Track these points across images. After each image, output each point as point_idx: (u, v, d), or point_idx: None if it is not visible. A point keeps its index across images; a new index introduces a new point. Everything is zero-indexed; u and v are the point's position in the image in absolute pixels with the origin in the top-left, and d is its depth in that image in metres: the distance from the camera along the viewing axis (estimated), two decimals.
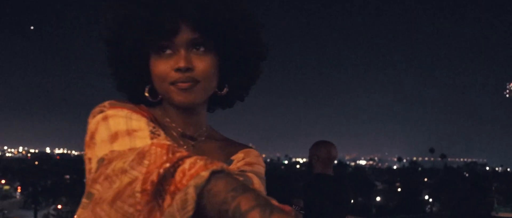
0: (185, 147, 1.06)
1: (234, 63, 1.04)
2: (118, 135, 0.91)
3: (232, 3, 0.99)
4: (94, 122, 0.95)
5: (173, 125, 1.07)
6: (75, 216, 0.88)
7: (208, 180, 0.76)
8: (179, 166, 0.79)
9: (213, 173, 0.76)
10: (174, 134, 1.06)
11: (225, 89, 1.07)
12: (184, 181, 0.76)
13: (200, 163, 0.78)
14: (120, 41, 1.00)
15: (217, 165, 0.78)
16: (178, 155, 0.81)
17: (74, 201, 43.53)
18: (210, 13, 0.96)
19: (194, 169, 0.77)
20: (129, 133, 0.91)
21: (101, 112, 0.96)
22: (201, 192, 0.75)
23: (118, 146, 0.89)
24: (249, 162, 1.10)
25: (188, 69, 0.97)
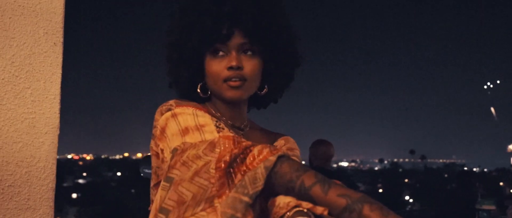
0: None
1: (274, 67, 1.16)
2: (188, 129, 1.01)
3: (279, 18, 1.14)
4: (163, 118, 1.05)
5: (224, 118, 1.17)
6: (157, 197, 0.99)
7: (275, 163, 0.90)
8: (248, 152, 0.93)
9: (279, 157, 0.91)
10: (227, 126, 1.14)
11: (265, 90, 1.17)
12: (254, 163, 0.90)
13: (266, 149, 0.93)
14: (183, 44, 1.12)
15: (281, 151, 0.93)
16: (244, 144, 0.95)
17: None
18: (260, 24, 1.09)
19: (262, 155, 0.91)
20: (198, 128, 1.02)
21: (169, 110, 1.06)
22: (270, 173, 0.89)
23: (190, 139, 0.99)
24: (290, 147, 1.24)
25: (239, 68, 1.08)
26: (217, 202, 0.90)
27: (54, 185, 1.21)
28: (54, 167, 1.21)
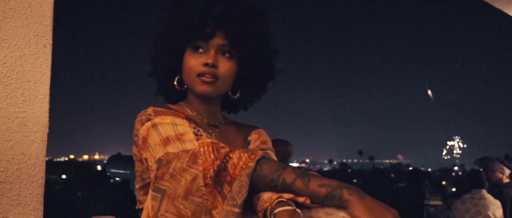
0: (213, 134, 1.22)
1: (248, 75, 1.22)
2: (169, 139, 1.06)
3: (262, 30, 1.21)
4: (144, 128, 1.11)
5: (200, 116, 1.23)
6: (149, 206, 1.04)
7: (255, 167, 0.97)
8: (228, 160, 0.99)
9: (258, 161, 0.98)
10: (203, 125, 1.22)
11: (238, 94, 1.24)
12: (237, 172, 0.97)
13: (245, 155, 0.99)
14: (168, 35, 1.18)
15: (258, 155, 0.99)
16: (222, 151, 1.01)
17: None
18: (243, 30, 1.16)
19: (242, 161, 0.98)
20: (178, 137, 1.06)
21: (149, 119, 1.11)
22: (252, 177, 0.96)
23: (172, 149, 1.04)
24: (263, 140, 1.31)
25: (214, 66, 1.15)
26: (215, 213, 0.98)
27: (43, 182, 1.25)
28: (44, 164, 1.26)
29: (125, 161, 2.81)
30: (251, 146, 1.28)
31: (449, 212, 4.53)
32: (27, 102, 1.24)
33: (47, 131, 1.28)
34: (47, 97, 1.28)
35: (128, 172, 2.77)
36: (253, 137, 1.29)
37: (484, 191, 4.18)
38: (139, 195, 1.20)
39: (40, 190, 1.25)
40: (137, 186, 1.20)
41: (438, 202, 5.06)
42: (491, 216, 3.98)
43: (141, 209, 1.19)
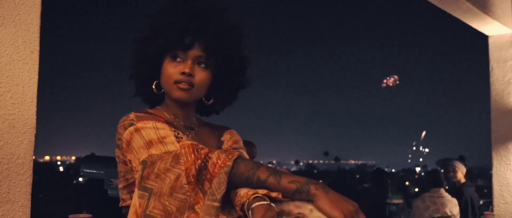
0: (190, 136, 1.29)
1: (221, 84, 1.33)
2: (152, 142, 1.15)
3: (236, 44, 1.31)
4: (127, 132, 1.19)
5: (177, 119, 1.32)
6: (136, 203, 1.12)
7: (233, 166, 1.08)
8: (208, 160, 1.10)
9: (235, 160, 1.08)
10: (180, 127, 1.31)
11: (211, 101, 1.35)
12: (216, 170, 1.08)
13: (223, 155, 1.10)
14: (149, 42, 1.26)
15: (235, 155, 1.10)
16: (202, 152, 1.12)
17: None
18: (219, 44, 1.26)
19: (221, 161, 1.09)
20: (160, 140, 1.15)
21: (131, 124, 1.20)
22: (229, 175, 1.07)
23: (155, 151, 1.14)
24: (235, 140, 1.42)
25: (190, 75, 1.24)
26: (197, 208, 1.09)
27: (31, 180, 1.33)
28: (31, 164, 1.34)
29: (99, 161, 2.88)
30: (225, 146, 1.38)
31: (410, 210, 4.74)
32: (15, 105, 1.31)
33: (35, 132, 1.35)
34: (35, 101, 1.36)
35: (102, 172, 2.84)
36: (225, 137, 1.41)
37: (442, 190, 4.40)
38: (122, 194, 1.29)
39: (28, 188, 1.33)
40: (120, 186, 1.28)
41: (399, 201, 5.28)
42: (449, 213, 4.20)
43: (125, 207, 1.28)
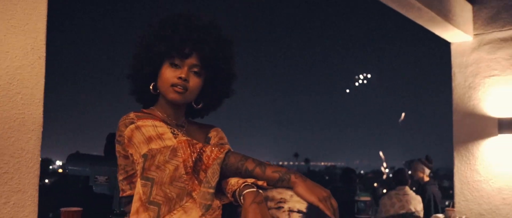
0: (181, 132, 1.40)
1: (211, 91, 1.50)
2: (152, 138, 1.31)
3: (228, 59, 1.49)
4: (128, 129, 1.35)
5: (169, 118, 1.47)
6: (140, 190, 1.27)
7: (224, 158, 1.25)
8: (203, 153, 1.27)
9: (226, 153, 1.26)
10: (172, 125, 1.45)
11: (200, 105, 1.52)
12: (210, 162, 1.25)
13: (216, 149, 1.28)
14: (152, 47, 1.42)
15: (225, 148, 1.28)
16: (197, 146, 1.29)
17: None
18: (213, 56, 1.43)
19: (214, 154, 1.26)
20: (159, 136, 1.31)
21: (132, 123, 1.35)
22: (221, 166, 1.25)
23: (154, 145, 1.29)
24: (220, 137, 1.58)
25: (186, 80, 1.41)
26: (194, 194, 1.25)
27: (38, 173, 1.48)
28: (39, 158, 1.48)
29: (84, 159, 3.01)
30: (212, 142, 1.54)
31: (377, 207, 4.99)
32: (25, 105, 1.46)
33: (41, 129, 1.50)
34: (41, 102, 1.50)
35: (87, 169, 2.97)
36: (212, 134, 1.58)
37: (407, 188, 4.66)
38: (122, 185, 1.44)
39: (36, 180, 1.48)
40: (120, 178, 1.44)
41: (368, 198, 5.51)
42: (413, 209, 4.46)
43: (125, 197, 1.44)
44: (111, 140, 3.73)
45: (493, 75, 4.55)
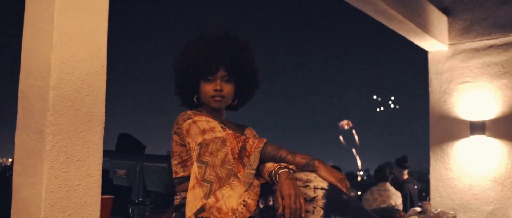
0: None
1: (242, 90, 1.83)
2: (206, 130, 1.64)
3: (249, 60, 1.80)
4: (186, 123, 1.67)
5: (213, 119, 1.72)
6: (195, 171, 1.58)
7: (263, 147, 1.61)
8: (246, 143, 1.61)
9: (264, 143, 1.62)
10: None
11: (235, 102, 1.86)
12: (252, 149, 1.59)
13: (256, 140, 1.62)
14: (187, 72, 1.77)
15: (264, 140, 1.62)
16: (242, 138, 1.63)
17: None
18: (236, 65, 1.75)
19: (255, 143, 1.61)
20: (211, 129, 1.65)
21: (189, 118, 1.68)
22: (261, 153, 1.61)
23: (208, 136, 1.63)
24: (254, 135, 1.90)
25: (221, 90, 1.75)
26: (239, 175, 1.58)
27: (101, 161, 1.79)
28: (102, 149, 1.80)
29: (105, 154, 3.30)
30: None
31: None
32: (92, 105, 1.78)
33: (104, 125, 1.82)
34: (104, 102, 1.82)
35: (107, 163, 3.27)
36: (247, 132, 1.92)
37: (388, 184, 5.07)
38: (176, 168, 1.77)
39: (100, 167, 1.79)
40: (175, 162, 1.77)
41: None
42: (393, 203, 4.87)
43: (178, 178, 1.77)
44: (123, 139, 4.03)
45: (466, 82, 4.99)
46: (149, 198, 3.15)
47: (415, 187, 5.67)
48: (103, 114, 1.82)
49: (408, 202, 5.35)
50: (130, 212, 3.22)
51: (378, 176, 5.11)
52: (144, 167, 3.15)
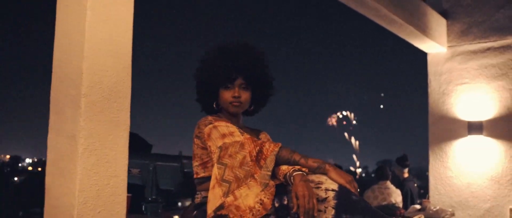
0: None
1: (258, 96, 1.97)
2: (225, 135, 1.77)
3: (264, 69, 1.95)
4: (207, 128, 1.81)
5: (231, 123, 1.85)
6: (216, 172, 1.71)
7: (278, 151, 1.74)
8: (263, 147, 1.74)
9: (280, 148, 1.76)
10: None
11: (252, 108, 2.00)
12: (268, 153, 1.72)
13: (272, 144, 1.75)
14: (208, 81, 1.91)
15: (279, 145, 1.76)
16: (258, 142, 1.76)
17: None
18: (252, 73, 1.90)
19: (271, 147, 1.74)
20: (231, 133, 1.78)
21: (210, 123, 1.82)
22: (276, 156, 1.73)
23: (227, 140, 1.76)
24: (268, 139, 2.05)
25: (239, 97, 1.89)
26: (256, 176, 1.72)
27: (127, 162, 1.95)
28: (127, 152, 1.95)
29: None
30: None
31: None
32: (119, 111, 1.93)
33: (129, 130, 1.97)
34: (129, 108, 1.97)
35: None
36: (262, 136, 2.07)
37: (388, 182, 5.23)
38: (197, 169, 1.91)
39: (125, 168, 1.94)
40: (196, 163, 1.91)
41: None
42: (394, 201, 5.02)
43: (198, 178, 1.91)
44: (130, 138, 4.18)
45: (464, 83, 5.14)
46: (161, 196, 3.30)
47: (415, 185, 5.83)
48: (128, 119, 1.97)
49: (408, 200, 5.51)
50: (143, 209, 3.38)
51: (379, 174, 5.27)
52: (157, 167, 3.32)
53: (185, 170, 3.27)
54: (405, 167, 5.80)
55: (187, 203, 4.07)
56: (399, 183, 5.59)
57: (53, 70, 1.95)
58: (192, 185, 2.06)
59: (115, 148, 1.91)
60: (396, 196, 5.12)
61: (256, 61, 1.96)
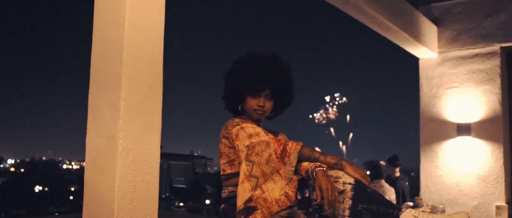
0: None
1: (279, 105, 2.19)
2: (252, 135, 1.97)
3: (288, 83, 2.16)
4: (235, 129, 2.01)
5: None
6: (244, 168, 1.89)
7: (300, 149, 1.96)
8: (286, 145, 1.96)
9: (301, 146, 1.98)
10: None
11: (272, 114, 2.23)
12: (291, 151, 1.94)
13: (294, 143, 1.97)
14: (237, 87, 2.11)
15: (300, 144, 1.98)
16: (282, 141, 1.99)
17: None
18: (278, 86, 2.11)
19: (293, 146, 1.96)
20: (257, 134, 1.98)
21: (238, 124, 2.03)
22: (299, 153, 1.95)
23: (254, 140, 1.95)
24: (285, 139, 2.23)
25: (263, 106, 2.11)
26: (281, 171, 1.92)
27: (159, 160, 2.13)
28: (159, 151, 2.14)
29: None
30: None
31: None
32: (152, 114, 2.10)
33: (160, 131, 2.15)
34: (161, 111, 2.15)
35: None
36: (280, 137, 2.27)
37: (383, 181, 5.46)
38: (224, 166, 2.11)
39: (158, 166, 2.12)
40: (223, 161, 2.11)
41: None
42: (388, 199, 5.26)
43: (225, 175, 2.11)
44: None
45: (453, 87, 5.39)
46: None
47: (407, 184, 6.07)
48: (160, 121, 2.15)
49: (400, 198, 5.76)
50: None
51: (373, 174, 5.50)
52: (171, 165, 3.50)
53: (196, 170, 3.45)
54: (396, 166, 6.04)
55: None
56: (391, 182, 5.83)
57: (91, 76, 2.12)
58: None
59: (149, 147, 2.09)
60: (390, 194, 5.35)
61: (283, 74, 2.16)
